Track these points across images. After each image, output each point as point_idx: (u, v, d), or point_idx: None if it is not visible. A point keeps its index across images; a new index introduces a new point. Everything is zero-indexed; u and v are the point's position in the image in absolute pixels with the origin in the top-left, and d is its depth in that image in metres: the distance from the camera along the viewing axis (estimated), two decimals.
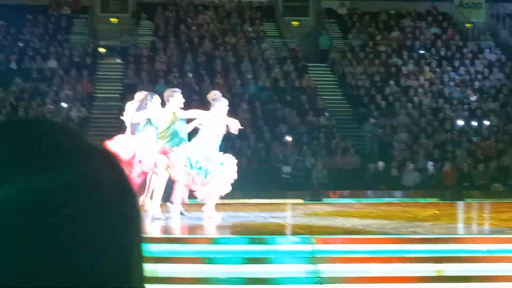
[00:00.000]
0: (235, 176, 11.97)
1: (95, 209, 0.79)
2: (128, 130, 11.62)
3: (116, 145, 10.93)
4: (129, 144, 11.14)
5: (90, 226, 0.78)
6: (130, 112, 11.61)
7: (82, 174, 0.80)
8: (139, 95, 11.69)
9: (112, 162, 0.84)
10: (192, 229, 11.27)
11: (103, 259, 0.79)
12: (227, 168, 11.79)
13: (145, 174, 11.49)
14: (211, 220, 11.64)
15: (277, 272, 9.29)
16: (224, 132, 11.90)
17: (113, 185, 0.82)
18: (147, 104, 11.25)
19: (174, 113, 11.60)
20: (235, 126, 11.88)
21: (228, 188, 11.89)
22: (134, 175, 11.03)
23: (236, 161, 12.05)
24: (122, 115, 12.31)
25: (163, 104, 11.64)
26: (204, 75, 25.27)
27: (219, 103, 11.78)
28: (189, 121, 12.06)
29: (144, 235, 0.85)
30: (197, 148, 11.60)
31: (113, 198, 0.81)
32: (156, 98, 11.44)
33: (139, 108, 11.33)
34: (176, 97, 11.72)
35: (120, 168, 0.84)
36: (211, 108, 11.84)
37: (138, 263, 0.84)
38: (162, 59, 26.03)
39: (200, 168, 11.55)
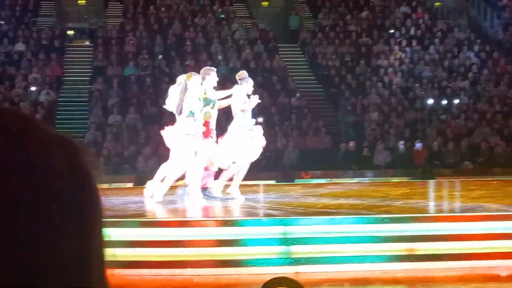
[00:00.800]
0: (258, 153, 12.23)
1: (46, 195, 0.78)
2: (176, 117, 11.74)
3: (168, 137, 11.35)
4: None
5: (41, 213, 0.77)
6: (174, 97, 11.77)
7: (33, 159, 0.79)
8: (181, 79, 11.89)
9: (68, 148, 0.83)
10: (164, 212, 11.24)
11: (57, 247, 0.77)
12: (253, 145, 12.00)
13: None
14: (236, 201, 11.78)
15: (250, 254, 9.31)
16: (251, 108, 12.20)
17: (68, 171, 0.81)
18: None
19: (205, 93, 11.69)
20: (255, 101, 12.07)
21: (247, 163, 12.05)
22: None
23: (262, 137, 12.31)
24: (166, 104, 12.48)
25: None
26: (174, 57, 25.12)
27: (247, 82, 12.03)
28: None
29: (104, 221, 0.84)
30: (233, 137, 11.78)
31: (67, 184, 0.80)
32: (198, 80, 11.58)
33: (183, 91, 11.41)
34: (212, 76, 11.88)
35: (77, 154, 0.83)
36: (239, 88, 12.17)
37: (99, 250, 0.82)
38: (131, 41, 25.82)
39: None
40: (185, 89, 11.34)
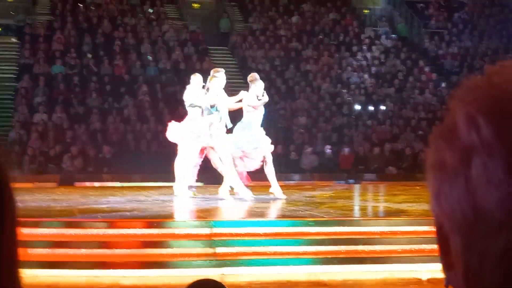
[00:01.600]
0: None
1: None
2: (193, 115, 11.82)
3: (173, 132, 11.49)
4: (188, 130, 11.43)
5: None
6: (190, 96, 11.91)
7: None
8: (195, 78, 12.13)
9: None
10: (89, 213, 11.10)
11: None
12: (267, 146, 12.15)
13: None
14: (280, 200, 11.86)
15: (176, 255, 9.28)
16: (263, 111, 12.34)
17: None
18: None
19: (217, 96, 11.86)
20: (264, 100, 12.66)
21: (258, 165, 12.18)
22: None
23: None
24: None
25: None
26: (102, 56, 24.84)
27: (257, 85, 12.17)
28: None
29: (18, 220, 0.82)
30: (245, 132, 11.83)
31: None
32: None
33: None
34: (220, 77, 12.02)
35: None
36: (250, 90, 12.23)
37: (12, 249, 0.80)
38: (60, 39, 25.42)
39: (254, 148, 11.90)
40: (207, 89, 11.61)
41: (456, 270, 0.68)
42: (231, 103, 12.29)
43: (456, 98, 0.68)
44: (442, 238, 0.70)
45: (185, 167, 11.93)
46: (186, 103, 12.14)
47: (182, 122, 12.20)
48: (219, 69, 12.67)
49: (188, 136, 11.54)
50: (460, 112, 0.67)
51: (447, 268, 0.70)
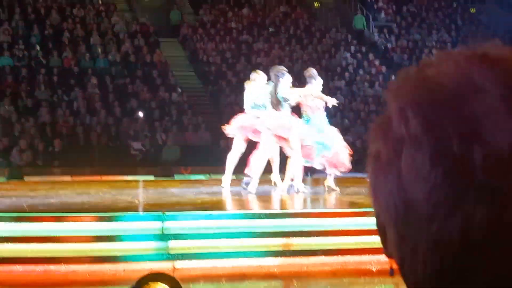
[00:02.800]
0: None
1: None
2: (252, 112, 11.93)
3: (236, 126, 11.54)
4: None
5: None
6: (250, 94, 11.97)
7: None
8: (255, 75, 12.18)
9: None
10: (38, 207, 10.95)
11: None
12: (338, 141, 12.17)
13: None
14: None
15: (127, 249, 9.22)
16: (322, 107, 12.23)
17: None
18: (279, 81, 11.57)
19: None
20: (331, 101, 12.40)
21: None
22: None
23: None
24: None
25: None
26: (51, 48, 24.51)
27: (316, 80, 12.14)
28: None
29: None
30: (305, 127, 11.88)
31: None
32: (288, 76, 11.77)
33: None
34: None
35: None
36: (308, 85, 12.18)
37: None
38: (7, 30, 24.98)
39: (321, 144, 11.86)
40: (276, 85, 11.69)
41: (394, 260, 0.70)
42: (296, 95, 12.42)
43: (390, 91, 0.69)
44: (380, 229, 0.72)
45: (264, 160, 11.99)
46: (260, 99, 12.23)
47: (244, 116, 12.39)
48: (280, 67, 12.84)
49: (281, 129, 11.65)
50: (393, 104, 0.68)
51: (389, 258, 0.72)
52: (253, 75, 12.84)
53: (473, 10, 33.17)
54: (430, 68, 0.69)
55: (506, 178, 0.63)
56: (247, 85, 12.87)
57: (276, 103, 11.78)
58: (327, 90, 25.31)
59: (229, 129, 12.66)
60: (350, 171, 12.51)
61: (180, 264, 8.93)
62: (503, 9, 33.45)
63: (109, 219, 9.65)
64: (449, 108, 0.66)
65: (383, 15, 31.09)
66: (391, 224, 0.69)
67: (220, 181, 13.02)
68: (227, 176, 12.64)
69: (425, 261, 0.66)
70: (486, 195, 0.64)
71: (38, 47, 24.48)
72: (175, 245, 9.21)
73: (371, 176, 0.71)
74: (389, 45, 29.21)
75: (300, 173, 11.93)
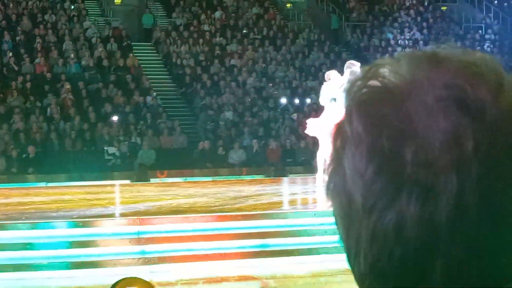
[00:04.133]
0: None
1: None
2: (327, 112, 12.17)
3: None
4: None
5: None
6: (326, 93, 12.13)
7: None
8: (334, 73, 12.37)
9: None
10: (13, 214, 10.87)
11: None
12: None
13: None
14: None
15: (103, 254, 9.18)
16: None
17: None
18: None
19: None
20: None
21: None
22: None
23: None
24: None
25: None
26: (23, 54, 24.34)
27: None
28: None
29: None
30: None
31: None
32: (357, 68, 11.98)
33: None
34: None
35: None
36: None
37: None
38: None
39: None
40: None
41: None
42: None
43: (345, 90, 0.71)
44: (335, 222, 0.74)
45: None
46: (328, 98, 12.49)
47: (320, 117, 12.74)
48: (354, 61, 12.99)
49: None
50: (345, 104, 0.70)
51: None
52: (329, 74, 13.28)
53: (444, 8, 33.41)
54: (382, 68, 0.71)
55: (437, 177, 0.65)
56: (325, 84, 13.40)
57: None
58: (301, 90, 25.45)
59: (309, 131, 13.10)
60: None
61: (156, 268, 8.91)
62: (474, 7, 33.75)
63: (84, 224, 9.60)
64: (387, 107, 0.67)
65: (355, 14, 31.23)
66: (340, 217, 0.71)
67: (195, 184, 13.01)
68: (320, 174, 13.00)
69: (365, 254, 0.68)
70: (418, 192, 0.65)
71: (10, 54, 24.30)
72: (151, 249, 9.18)
73: (326, 171, 0.74)
74: (362, 44, 29.34)
75: None
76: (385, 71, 0.70)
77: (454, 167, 0.64)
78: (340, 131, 0.71)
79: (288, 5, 31.48)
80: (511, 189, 0.65)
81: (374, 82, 0.70)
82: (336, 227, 0.73)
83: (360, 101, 0.69)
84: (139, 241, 9.29)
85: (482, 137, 0.65)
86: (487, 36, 31.57)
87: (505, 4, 33.69)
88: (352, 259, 0.70)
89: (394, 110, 0.67)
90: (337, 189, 0.70)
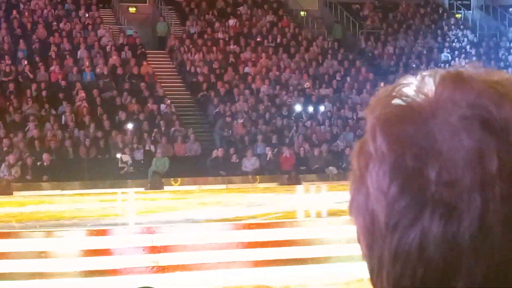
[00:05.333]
0: None
1: None
2: None
3: None
4: None
5: None
6: None
7: None
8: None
9: None
10: (27, 222, 10.92)
11: None
12: None
13: None
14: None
15: (117, 263, 9.19)
16: None
17: None
18: None
19: None
20: None
21: None
22: None
23: None
24: None
25: None
26: (38, 62, 24.47)
27: None
28: None
29: None
30: None
31: None
32: None
33: None
34: None
35: None
36: None
37: None
38: None
39: None
40: None
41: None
42: None
43: (367, 107, 0.72)
44: (357, 240, 0.74)
45: None
46: None
47: None
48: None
49: None
50: (368, 121, 0.70)
51: None
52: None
53: (458, 16, 33.34)
54: (406, 87, 0.71)
55: (461, 197, 0.64)
56: None
57: None
58: (315, 97, 25.46)
59: None
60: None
61: (170, 277, 8.90)
62: (489, 15, 33.65)
63: (99, 233, 9.62)
64: (411, 126, 0.68)
65: (369, 22, 31.21)
66: (362, 235, 0.71)
67: (208, 192, 13.00)
68: None
69: (388, 273, 0.68)
70: (441, 212, 0.65)
71: (25, 62, 24.45)
72: (165, 258, 9.18)
73: (350, 190, 0.74)
74: (376, 52, 29.31)
75: None
76: (409, 90, 0.71)
77: (478, 187, 0.65)
78: (363, 150, 0.71)
79: (302, 13, 31.51)
80: None
81: (398, 101, 0.70)
82: (359, 244, 0.74)
83: (384, 119, 0.70)
84: (154, 249, 9.29)
85: (507, 157, 0.65)
86: (501, 44, 31.45)
87: None
88: (374, 277, 0.70)
89: (418, 129, 0.67)
90: (360, 207, 0.71)
